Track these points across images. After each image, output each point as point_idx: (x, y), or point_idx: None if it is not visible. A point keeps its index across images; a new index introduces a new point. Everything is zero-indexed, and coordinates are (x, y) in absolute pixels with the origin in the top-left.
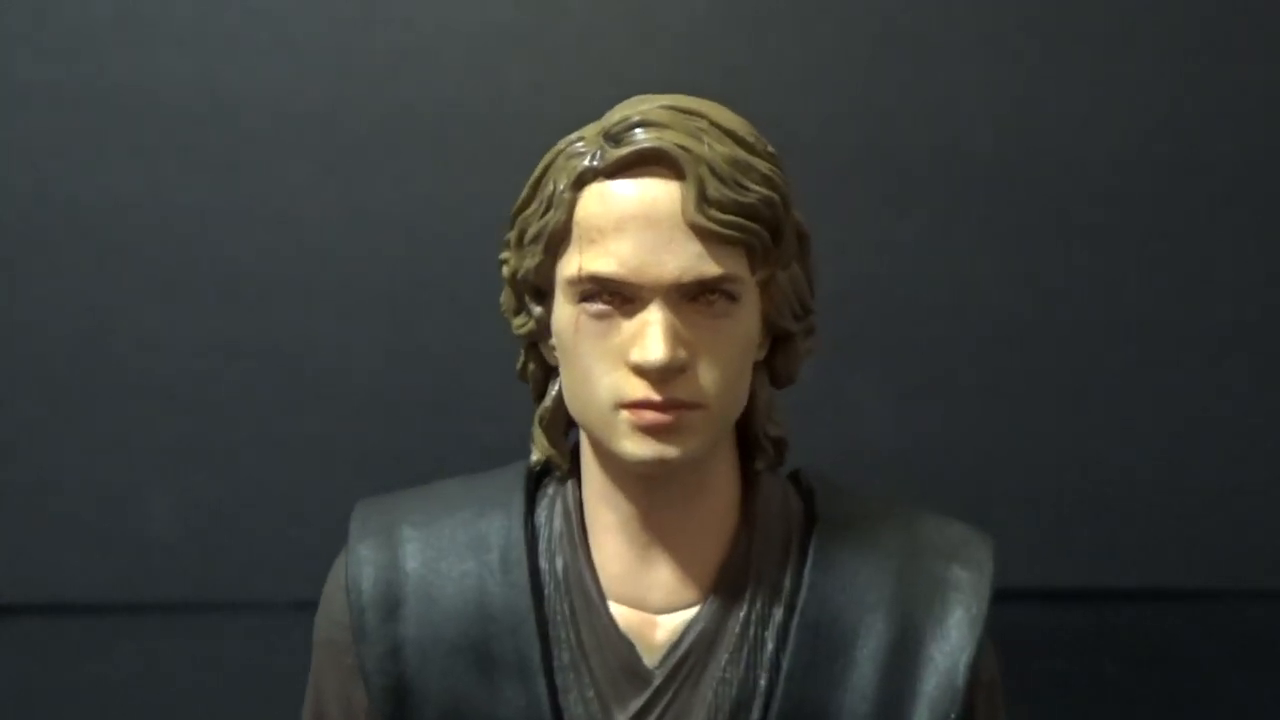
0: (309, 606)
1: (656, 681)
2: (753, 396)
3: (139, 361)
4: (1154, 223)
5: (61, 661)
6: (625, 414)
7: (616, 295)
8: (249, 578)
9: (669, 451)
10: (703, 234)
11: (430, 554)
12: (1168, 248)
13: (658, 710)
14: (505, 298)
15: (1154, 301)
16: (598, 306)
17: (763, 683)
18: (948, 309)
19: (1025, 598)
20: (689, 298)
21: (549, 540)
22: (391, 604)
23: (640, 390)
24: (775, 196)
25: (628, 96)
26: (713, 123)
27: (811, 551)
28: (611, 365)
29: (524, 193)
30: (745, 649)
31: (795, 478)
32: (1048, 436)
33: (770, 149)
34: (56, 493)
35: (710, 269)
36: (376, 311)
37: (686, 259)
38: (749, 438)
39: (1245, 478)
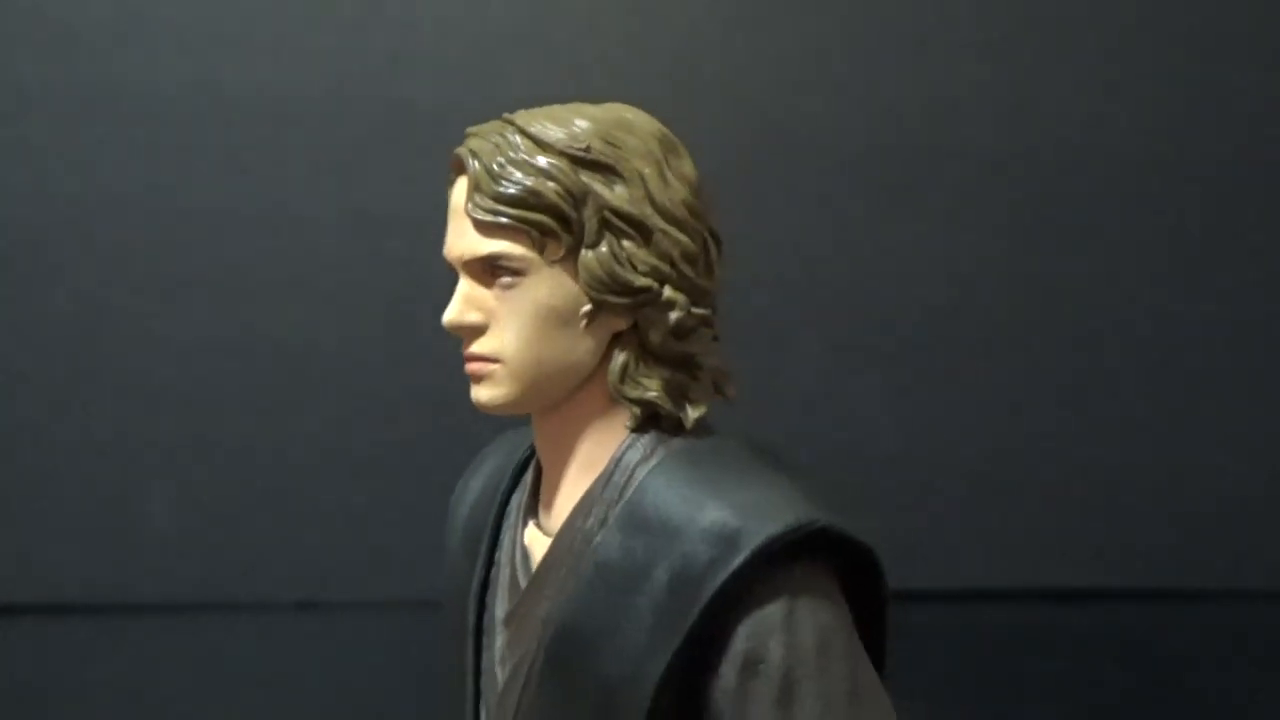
0: (309, 606)
1: (522, 592)
2: (611, 362)
3: (139, 361)
4: (1154, 223)
5: (61, 661)
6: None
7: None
8: (249, 578)
9: (481, 394)
10: (475, 221)
11: (475, 477)
12: (1168, 248)
13: (526, 605)
14: None
15: (1154, 301)
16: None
17: (552, 617)
18: (948, 309)
19: (1025, 598)
20: (481, 273)
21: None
22: (456, 504)
23: (463, 348)
24: (553, 187)
25: (627, 96)
26: (519, 128)
27: (631, 491)
28: None
29: None
30: (562, 579)
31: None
32: (1047, 436)
33: (580, 149)
34: (56, 493)
35: (480, 248)
36: (376, 311)
37: (466, 242)
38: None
39: (1245, 478)
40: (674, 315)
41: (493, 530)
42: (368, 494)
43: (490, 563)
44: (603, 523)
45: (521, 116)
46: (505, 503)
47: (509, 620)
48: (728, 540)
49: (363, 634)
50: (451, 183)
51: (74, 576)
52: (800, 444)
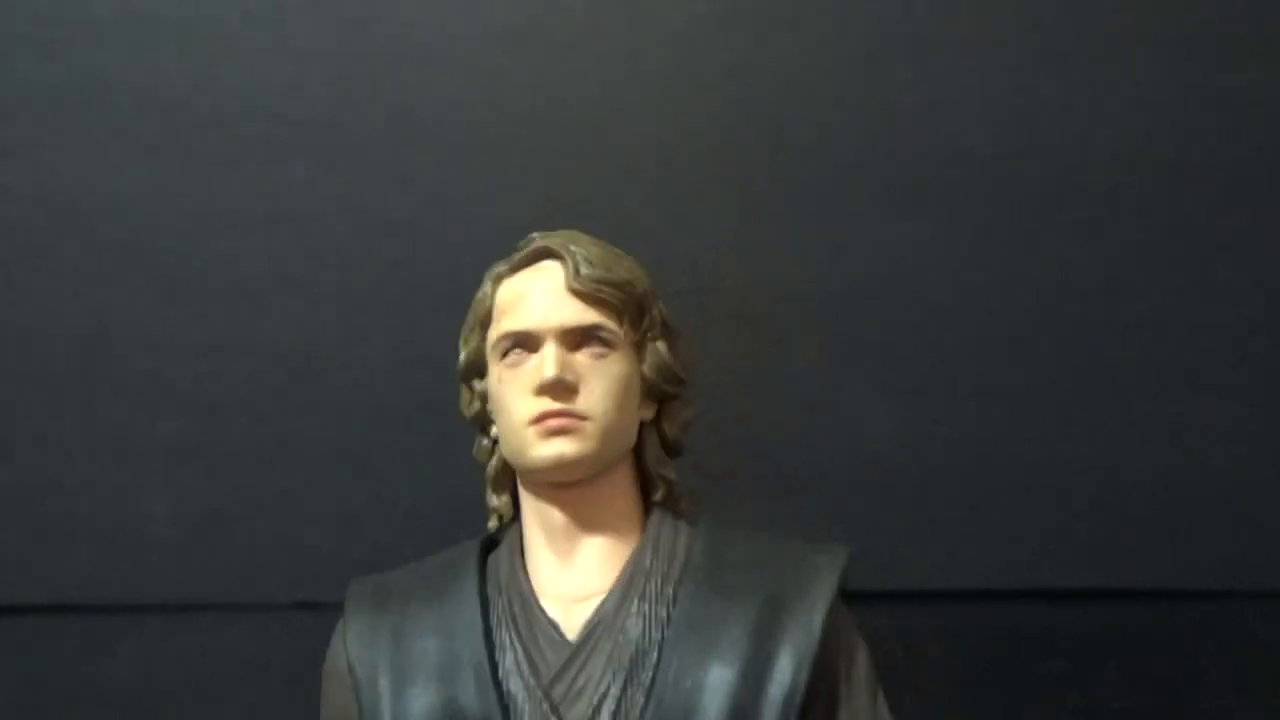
0: (309, 607)
1: (575, 640)
2: (644, 446)
3: (139, 361)
4: (1154, 223)
5: (61, 661)
6: (534, 428)
7: (524, 345)
8: (249, 578)
9: (565, 448)
10: (579, 295)
11: (401, 615)
12: (1168, 248)
13: (575, 666)
14: (462, 400)
15: (1154, 301)
16: (512, 357)
17: (655, 635)
18: (948, 309)
19: (1025, 598)
20: (573, 344)
21: (496, 570)
22: (374, 645)
23: (543, 405)
24: (635, 284)
25: (628, 97)
26: (590, 239)
27: (698, 542)
28: (522, 394)
29: (465, 320)
30: (643, 614)
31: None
32: (1048, 437)
33: (635, 264)
34: (56, 493)
35: (585, 318)
36: (376, 311)
37: (569, 312)
38: (645, 477)
39: (1245, 478)
40: (689, 413)
41: (484, 627)
42: (368, 494)
43: (491, 651)
44: (665, 577)
45: (585, 236)
46: (486, 612)
47: (553, 684)
48: (832, 551)
49: None
50: (514, 268)
51: (74, 576)
52: (799, 444)
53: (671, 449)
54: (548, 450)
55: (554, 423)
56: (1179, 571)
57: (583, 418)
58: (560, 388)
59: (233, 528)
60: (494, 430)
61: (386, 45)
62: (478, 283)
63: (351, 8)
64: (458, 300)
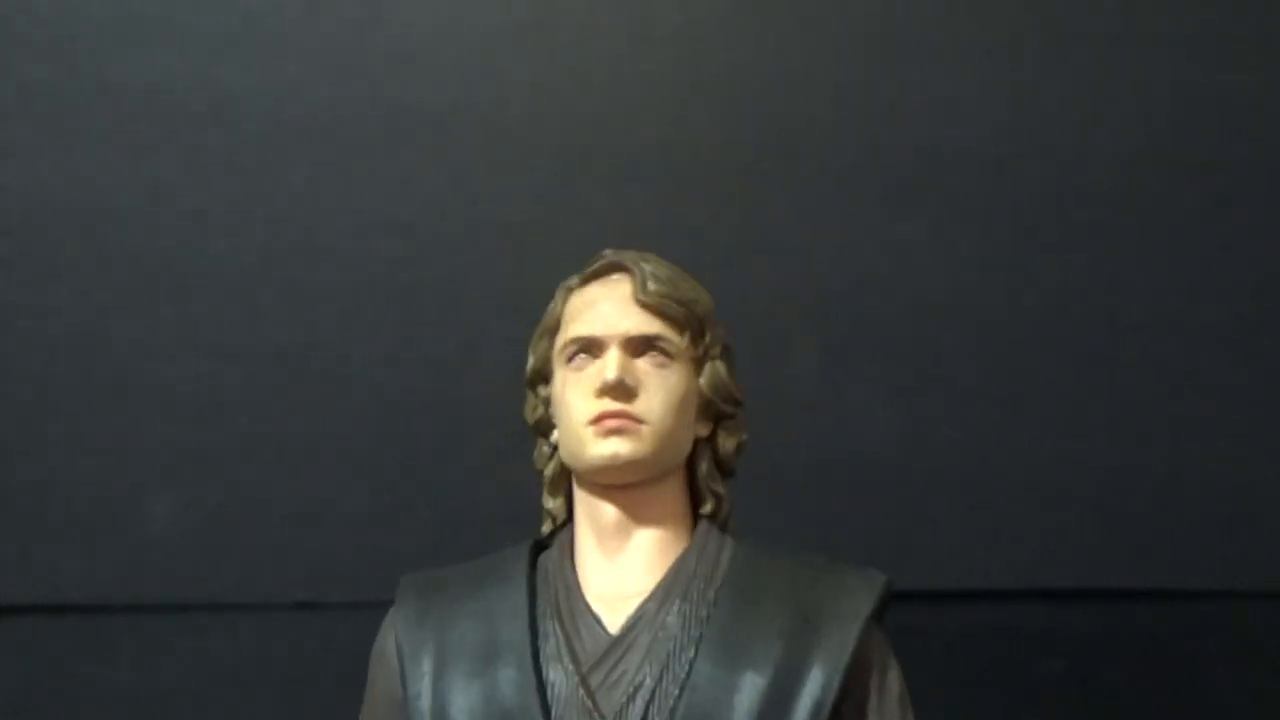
0: (309, 607)
1: (616, 633)
2: (697, 460)
3: (139, 362)
4: (1154, 223)
5: (61, 661)
6: (592, 428)
7: (589, 350)
8: (249, 578)
9: (621, 448)
10: (645, 307)
11: (448, 604)
12: (1168, 248)
13: (614, 656)
14: (526, 406)
15: (1154, 301)
16: (577, 361)
17: (695, 632)
18: (948, 309)
19: (1025, 598)
20: (637, 352)
21: (545, 567)
22: (419, 637)
23: (603, 406)
24: (699, 304)
25: (627, 96)
26: (656, 261)
27: (740, 555)
28: (584, 396)
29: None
30: (684, 611)
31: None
32: (1047, 436)
33: (700, 286)
34: (56, 493)
35: (650, 327)
36: (376, 311)
37: (635, 321)
38: (695, 490)
39: (1245, 478)
40: (743, 435)
41: (530, 616)
42: (368, 494)
43: (535, 641)
44: (708, 581)
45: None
46: (533, 605)
47: (591, 672)
48: (868, 574)
49: (363, 634)
50: (585, 280)
51: (74, 576)
52: (799, 444)
53: (724, 467)
54: (604, 449)
55: (612, 423)
56: (1179, 571)
57: (640, 420)
58: (620, 390)
59: (233, 528)
60: (554, 435)
61: (386, 45)
62: (479, 282)
63: (351, 8)
64: (458, 300)
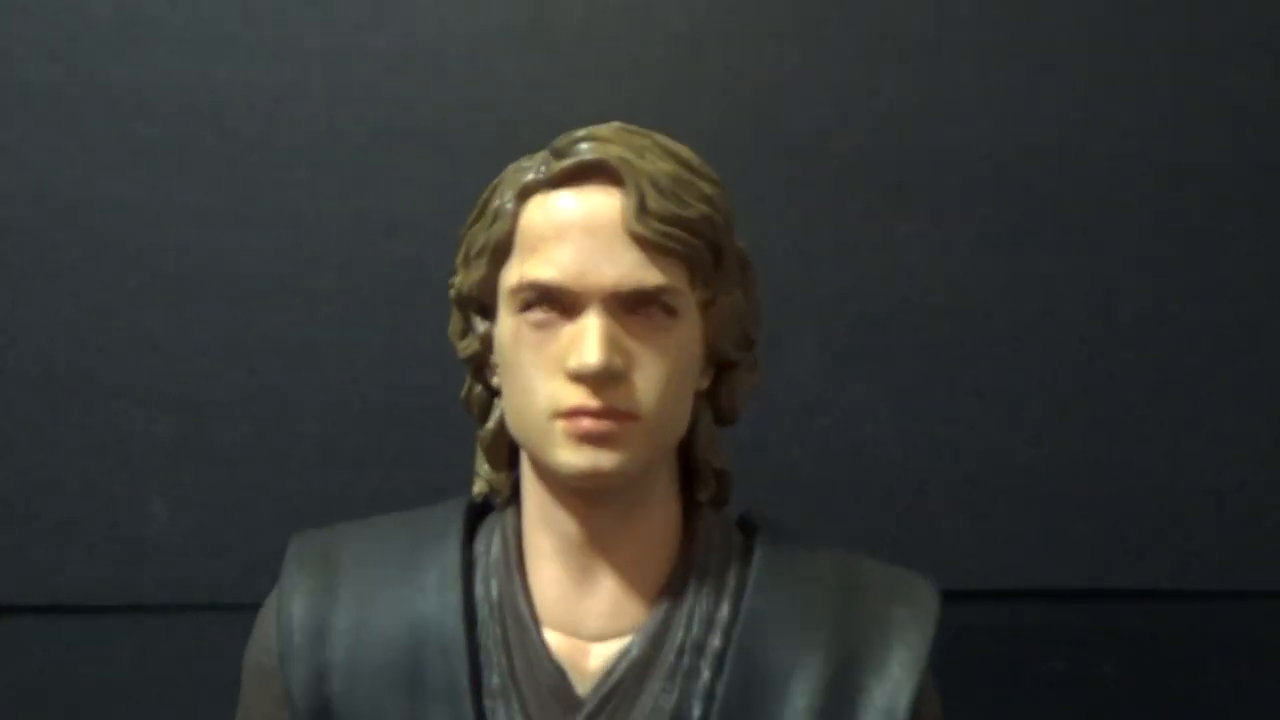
0: None
1: (587, 709)
2: (695, 426)
3: (139, 361)
4: (1153, 223)
5: (61, 661)
6: (561, 423)
7: (556, 304)
8: (249, 578)
9: (604, 460)
10: (642, 243)
11: (364, 581)
12: (1168, 248)
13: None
14: (452, 321)
15: (1154, 301)
16: (537, 315)
17: (696, 713)
18: (948, 310)
19: (1025, 597)
20: (628, 308)
21: (485, 567)
22: (321, 629)
23: (577, 397)
24: (717, 217)
25: (628, 97)
26: (656, 143)
27: (751, 582)
28: (549, 374)
29: (473, 211)
30: (679, 677)
31: (743, 518)
32: (1047, 436)
33: (714, 175)
34: (56, 493)
35: (649, 278)
36: (376, 311)
37: (625, 267)
38: (691, 468)
39: (1245, 478)
40: (755, 377)
41: (469, 644)
42: (367, 494)
43: (476, 683)
44: (714, 617)
45: (635, 128)
46: (470, 609)
47: None
48: (919, 602)
49: None
50: (553, 181)
51: (74, 576)
52: (799, 444)
53: (726, 419)
54: (578, 460)
55: (592, 426)
56: (1179, 571)
57: (630, 416)
58: (605, 378)
59: (233, 528)
60: (499, 407)
61: (386, 45)
62: None
63: (351, 8)
64: None
